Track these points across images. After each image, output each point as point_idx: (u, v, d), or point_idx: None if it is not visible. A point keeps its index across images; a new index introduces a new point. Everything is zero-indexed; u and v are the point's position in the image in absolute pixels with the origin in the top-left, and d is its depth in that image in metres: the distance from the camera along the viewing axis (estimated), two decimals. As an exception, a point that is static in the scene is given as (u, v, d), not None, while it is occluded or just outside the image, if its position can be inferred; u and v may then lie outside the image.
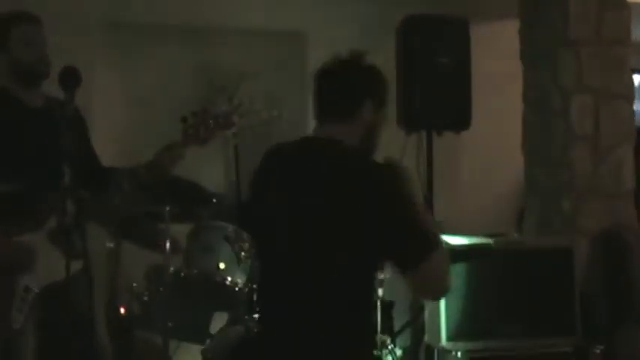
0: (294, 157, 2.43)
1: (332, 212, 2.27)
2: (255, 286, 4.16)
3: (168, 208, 4.04)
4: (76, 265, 2.82)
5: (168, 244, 4.05)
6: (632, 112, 4.78)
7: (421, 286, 2.32)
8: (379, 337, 3.97)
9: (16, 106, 3.04)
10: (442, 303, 3.74)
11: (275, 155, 2.49)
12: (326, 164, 2.35)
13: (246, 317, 4.13)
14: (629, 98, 4.76)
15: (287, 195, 2.36)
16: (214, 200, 4.56)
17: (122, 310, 4.34)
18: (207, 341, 4.24)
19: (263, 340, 2.43)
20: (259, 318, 2.44)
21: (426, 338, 3.94)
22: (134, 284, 4.26)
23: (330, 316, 2.29)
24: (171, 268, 4.08)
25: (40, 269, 2.78)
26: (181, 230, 4.33)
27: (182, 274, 4.14)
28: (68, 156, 2.78)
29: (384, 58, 4.65)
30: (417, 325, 4.14)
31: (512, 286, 3.86)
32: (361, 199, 2.25)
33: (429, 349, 3.93)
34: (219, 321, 4.48)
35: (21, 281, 2.88)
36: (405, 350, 4.45)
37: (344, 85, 2.42)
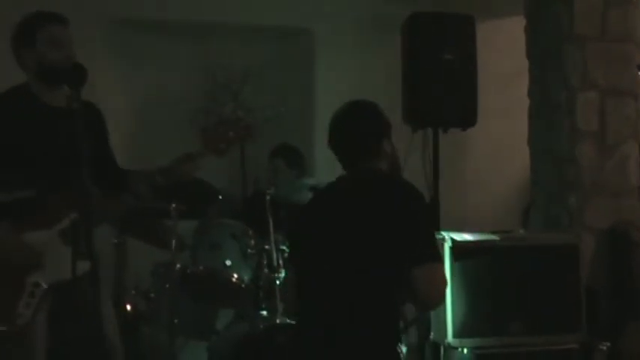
0: (335, 191, 2.85)
1: (373, 227, 2.65)
2: (261, 283, 4.17)
3: (174, 205, 4.05)
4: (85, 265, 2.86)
5: (174, 241, 4.06)
6: (638, 108, 4.77)
7: (423, 287, 2.62)
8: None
9: (37, 104, 3.06)
10: (448, 300, 3.74)
11: (317, 195, 3.00)
12: (364, 190, 2.74)
13: (252, 314, 4.14)
14: (635, 95, 4.75)
15: (334, 219, 2.74)
16: (220, 197, 4.58)
17: (128, 307, 4.37)
18: (213, 338, 4.26)
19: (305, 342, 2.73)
20: (299, 325, 2.86)
21: (432, 335, 3.94)
22: (140, 281, 4.27)
23: (373, 318, 2.65)
24: (178, 265, 4.10)
25: (51, 266, 2.80)
26: (188, 227, 4.34)
27: (188, 271, 4.15)
28: (86, 156, 2.82)
29: (390, 56, 4.69)
30: (423, 322, 4.14)
31: (517, 283, 3.85)
32: (398, 212, 2.65)
33: (435, 346, 3.93)
34: (224, 318, 4.50)
35: (31, 277, 2.91)
36: (411, 347, 4.45)
37: (363, 136, 2.81)
